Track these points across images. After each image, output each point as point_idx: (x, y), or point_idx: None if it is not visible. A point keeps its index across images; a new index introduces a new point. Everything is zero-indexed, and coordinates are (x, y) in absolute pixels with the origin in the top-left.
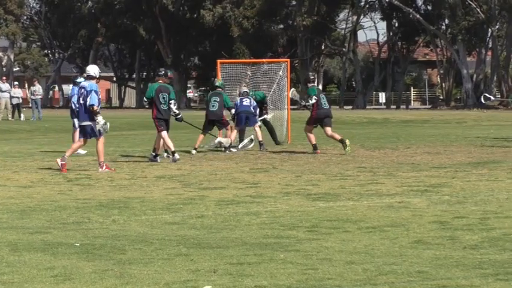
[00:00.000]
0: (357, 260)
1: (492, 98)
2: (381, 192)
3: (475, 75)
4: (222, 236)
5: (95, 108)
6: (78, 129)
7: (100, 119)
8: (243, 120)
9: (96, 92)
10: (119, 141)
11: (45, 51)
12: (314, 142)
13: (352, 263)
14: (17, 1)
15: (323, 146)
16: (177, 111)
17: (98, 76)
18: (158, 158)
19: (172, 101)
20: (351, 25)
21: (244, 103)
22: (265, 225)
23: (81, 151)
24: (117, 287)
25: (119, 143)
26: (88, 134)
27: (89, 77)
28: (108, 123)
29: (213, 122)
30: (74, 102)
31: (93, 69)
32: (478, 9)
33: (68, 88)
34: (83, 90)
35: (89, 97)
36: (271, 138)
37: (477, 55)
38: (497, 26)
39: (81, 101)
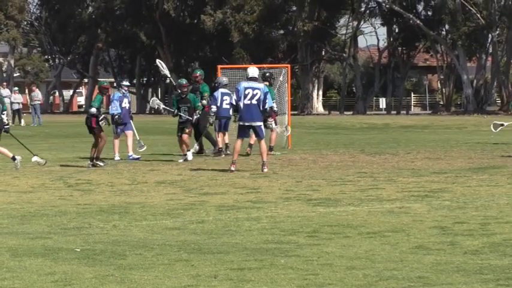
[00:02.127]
0: (358, 265)
1: (505, 124)
2: (382, 197)
3: (475, 81)
4: (222, 242)
5: (274, 108)
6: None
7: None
8: (222, 126)
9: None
10: (119, 146)
11: (46, 56)
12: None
13: (353, 268)
14: (18, 6)
15: (323, 151)
16: (6, 122)
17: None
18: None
19: (4, 112)
20: (351, 31)
21: (224, 105)
22: (265, 231)
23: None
24: None
25: (119, 148)
26: (259, 134)
27: (252, 79)
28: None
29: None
30: (118, 108)
31: (257, 72)
32: (478, 15)
33: (68, 94)
34: (256, 91)
35: (267, 99)
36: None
37: (477, 60)
38: (497, 32)
39: (254, 101)
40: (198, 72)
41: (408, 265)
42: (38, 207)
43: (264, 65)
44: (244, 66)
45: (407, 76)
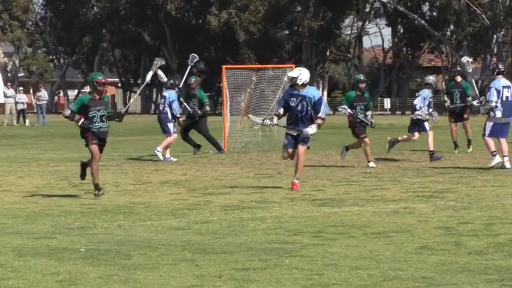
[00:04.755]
0: (362, 265)
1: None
2: (386, 197)
3: (480, 81)
4: (227, 242)
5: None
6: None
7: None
8: None
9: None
10: (125, 146)
11: (50, 56)
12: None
13: (358, 268)
14: (22, 7)
15: (327, 152)
16: None
17: None
18: None
19: None
20: (356, 31)
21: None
22: (270, 231)
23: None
24: None
25: (125, 148)
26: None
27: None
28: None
29: None
30: (174, 109)
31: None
32: (483, 15)
33: (72, 94)
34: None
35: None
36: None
37: (482, 61)
38: (502, 32)
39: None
40: (193, 79)
41: (413, 265)
42: (43, 207)
43: (269, 66)
44: (249, 66)
45: (412, 76)
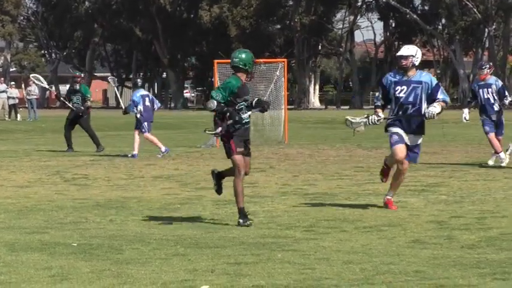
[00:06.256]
0: (355, 259)
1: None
2: (378, 191)
3: (471, 75)
4: (219, 236)
5: None
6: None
7: None
8: None
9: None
10: (116, 141)
11: (42, 51)
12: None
13: (350, 262)
14: (14, 1)
15: (319, 146)
16: None
17: None
18: None
19: None
20: (347, 25)
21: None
22: (262, 225)
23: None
24: (115, 287)
25: (116, 143)
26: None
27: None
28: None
29: None
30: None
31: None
32: (475, 9)
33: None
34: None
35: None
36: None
37: (474, 55)
38: (493, 26)
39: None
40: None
41: (405, 259)
42: (35, 202)
43: (261, 60)
44: None
45: None
